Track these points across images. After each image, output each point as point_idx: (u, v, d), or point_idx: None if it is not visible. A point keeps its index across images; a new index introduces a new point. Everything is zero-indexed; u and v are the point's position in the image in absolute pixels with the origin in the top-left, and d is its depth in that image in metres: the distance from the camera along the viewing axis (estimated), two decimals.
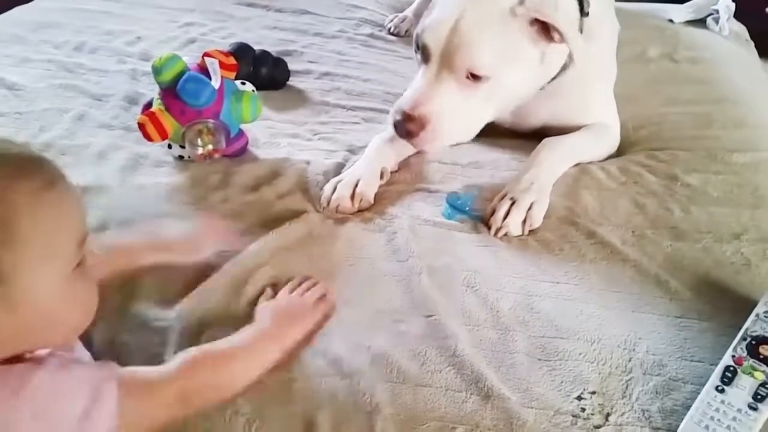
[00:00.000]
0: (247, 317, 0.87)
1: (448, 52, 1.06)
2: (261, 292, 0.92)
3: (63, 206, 0.66)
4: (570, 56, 1.12)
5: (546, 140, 1.21)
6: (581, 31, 1.15)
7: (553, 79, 1.18)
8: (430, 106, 1.08)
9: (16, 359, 0.65)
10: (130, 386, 0.69)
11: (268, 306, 0.89)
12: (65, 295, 0.66)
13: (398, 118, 1.09)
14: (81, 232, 0.67)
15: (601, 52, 1.27)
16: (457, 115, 1.09)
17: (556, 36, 1.06)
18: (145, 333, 0.86)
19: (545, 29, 1.06)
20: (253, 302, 0.90)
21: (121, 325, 0.87)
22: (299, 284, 0.93)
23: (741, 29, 1.90)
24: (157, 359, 0.81)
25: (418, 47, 1.12)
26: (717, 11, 1.82)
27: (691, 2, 1.92)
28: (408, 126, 1.08)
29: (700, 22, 1.84)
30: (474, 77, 1.07)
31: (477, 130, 1.15)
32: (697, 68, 1.60)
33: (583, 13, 1.15)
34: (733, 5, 1.86)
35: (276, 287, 0.93)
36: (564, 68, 1.17)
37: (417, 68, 1.14)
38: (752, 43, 1.88)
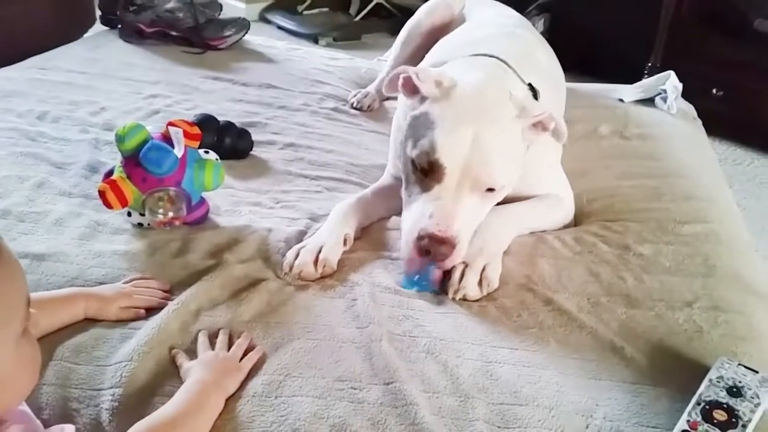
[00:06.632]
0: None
1: (469, 170, 1.06)
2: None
3: (9, 272, 0.67)
4: None
5: (493, 208, 1.24)
6: None
7: None
8: (457, 225, 1.06)
9: None
10: None
11: (199, 361, 0.89)
12: (17, 358, 0.67)
13: (424, 243, 1.05)
14: (26, 295, 0.69)
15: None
16: (474, 226, 1.12)
17: (547, 127, 1.12)
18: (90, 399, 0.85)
19: (536, 126, 1.13)
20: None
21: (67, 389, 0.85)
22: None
23: (689, 108, 1.99)
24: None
25: (421, 166, 1.08)
26: (665, 91, 1.91)
27: (640, 83, 2.02)
28: (441, 249, 1.05)
29: (649, 102, 1.92)
30: (491, 190, 1.10)
31: None
32: (646, 144, 1.66)
33: (536, 98, 1.23)
34: (680, 85, 1.95)
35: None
36: None
37: (409, 186, 1.12)
38: (700, 121, 1.96)
